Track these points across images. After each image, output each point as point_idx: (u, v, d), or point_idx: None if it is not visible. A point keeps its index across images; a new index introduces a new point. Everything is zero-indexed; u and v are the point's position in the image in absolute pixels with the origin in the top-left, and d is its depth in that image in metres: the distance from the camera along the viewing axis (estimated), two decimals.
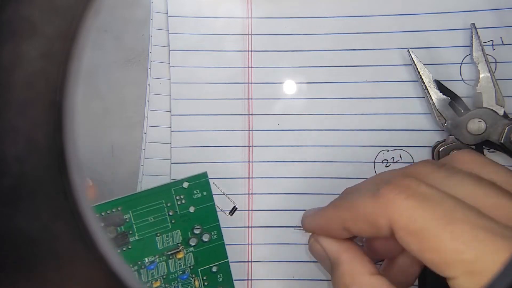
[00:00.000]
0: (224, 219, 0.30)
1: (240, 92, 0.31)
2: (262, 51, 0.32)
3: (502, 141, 0.28)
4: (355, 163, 0.31)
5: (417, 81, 0.30)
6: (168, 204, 0.26)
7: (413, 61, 0.29)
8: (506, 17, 0.30)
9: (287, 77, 0.31)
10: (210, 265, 0.27)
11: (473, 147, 0.29)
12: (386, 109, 0.31)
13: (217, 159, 0.31)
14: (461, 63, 0.31)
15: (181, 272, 0.26)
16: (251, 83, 0.31)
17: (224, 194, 0.31)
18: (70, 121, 0.13)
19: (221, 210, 0.30)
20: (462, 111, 0.29)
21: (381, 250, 0.24)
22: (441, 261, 0.18)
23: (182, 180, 0.26)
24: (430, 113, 0.30)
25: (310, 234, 0.25)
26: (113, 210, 0.26)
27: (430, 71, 0.29)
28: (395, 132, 0.31)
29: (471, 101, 0.30)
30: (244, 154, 0.31)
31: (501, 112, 0.28)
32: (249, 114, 0.31)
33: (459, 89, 0.30)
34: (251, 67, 0.31)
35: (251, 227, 0.30)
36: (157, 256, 0.26)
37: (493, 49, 0.30)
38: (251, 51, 0.32)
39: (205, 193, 0.27)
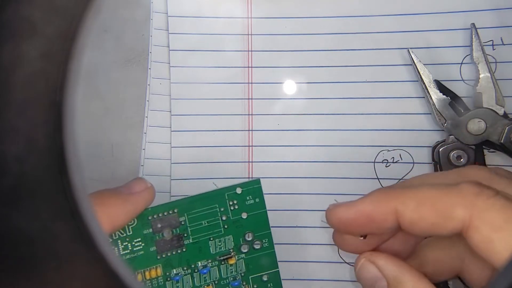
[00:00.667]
0: None
1: (240, 92, 0.31)
2: (262, 51, 0.32)
3: (502, 141, 0.28)
4: (355, 163, 0.31)
5: (417, 81, 0.30)
6: (222, 209, 0.26)
7: (413, 61, 0.29)
8: (506, 17, 0.30)
9: (287, 77, 0.31)
10: (260, 274, 0.27)
11: (473, 147, 0.29)
12: (386, 109, 0.31)
13: (217, 159, 0.31)
14: (461, 63, 0.31)
15: (232, 279, 0.26)
16: (251, 83, 0.31)
17: None
18: (70, 121, 0.13)
19: None
20: (462, 111, 0.29)
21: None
22: None
23: (236, 186, 0.26)
24: (430, 113, 0.30)
25: (357, 255, 0.23)
26: (170, 212, 0.26)
27: (430, 71, 0.29)
28: (395, 132, 0.31)
29: (471, 101, 0.30)
30: (244, 154, 0.31)
31: (501, 112, 0.28)
32: (249, 114, 0.31)
33: (459, 89, 0.30)
34: (251, 67, 0.31)
35: None
36: (209, 261, 0.26)
37: (493, 49, 0.30)
38: (251, 51, 0.32)
39: (257, 200, 0.27)
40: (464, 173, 0.22)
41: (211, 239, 0.26)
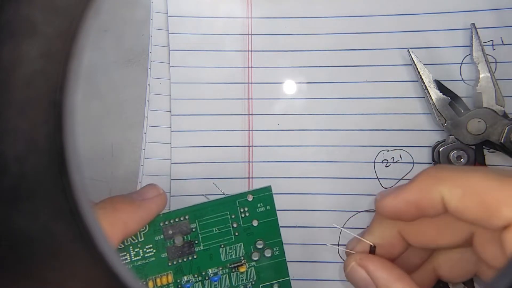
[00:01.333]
0: None
1: (240, 92, 0.31)
2: (262, 51, 0.32)
3: (502, 141, 0.28)
4: (355, 163, 0.31)
5: (417, 81, 0.30)
6: (233, 216, 0.26)
7: (413, 61, 0.29)
8: (506, 17, 0.30)
9: (287, 77, 0.31)
10: (271, 282, 0.27)
11: (473, 147, 0.29)
12: (386, 109, 0.31)
13: (217, 159, 0.31)
14: (461, 63, 0.31)
15: (243, 287, 0.26)
16: (251, 83, 0.31)
17: (224, 194, 0.31)
18: (70, 121, 0.13)
19: None
20: (462, 111, 0.29)
21: (401, 264, 0.23)
22: None
23: (247, 193, 0.26)
24: (430, 113, 0.30)
25: (348, 256, 0.23)
26: (181, 218, 0.25)
27: (430, 71, 0.29)
28: (395, 132, 0.31)
29: (471, 101, 0.30)
30: (244, 154, 0.31)
31: (501, 112, 0.28)
32: (249, 114, 0.31)
33: (459, 89, 0.30)
34: (251, 67, 0.31)
35: None
36: (220, 268, 0.26)
37: (493, 49, 0.30)
38: (251, 51, 0.32)
39: (268, 207, 0.27)
40: None
41: (222, 246, 0.26)
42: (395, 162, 0.31)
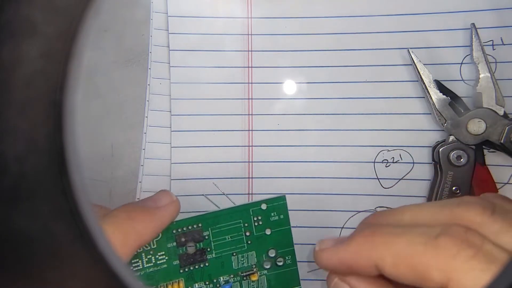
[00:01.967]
0: None
1: (240, 92, 0.31)
2: (262, 51, 0.32)
3: (502, 141, 0.28)
4: (355, 163, 0.31)
5: (417, 81, 0.30)
6: (246, 225, 0.26)
7: (413, 61, 0.29)
8: (506, 17, 0.30)
9: (287, 77, 0.31)
10: None
11: (473, 147, 0.29)
12: (386, 109, 0.31)
13: (217, 159, 0.31)
14: (461, 63, 0.31)
15: None
16: (251, 83, 0.31)
17: (224, 194, 0.31)
18: (70, 121, 0.13)
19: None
20: (462, 111, 0.29)
21: None
22: None
23: (261, 202, 0.26)
24: (430, 113, 0.30)
25: (329, 274, 0.22)
26: (194, 226, 0.25)
27: (430, 71, 0.29)
28: (395, 132, 0.31)
29: (471, 101, 0.30)
30: (244, 154, 0.31)
31: (501, 112, 0.28)
32: (249, 114, 0.31)
33: (459, 89, 0.30)
34: (251, 67, 0.31)
35: None
36: (231, 276, 0.26)
37: (493, 49, 0.30)
38: (251, 51, 0.32)
39: (282, 216, 0.26)
40: (457, 214, 0.19)
41: (234, 254, 0.26)
42: (395, 162, 0.31)
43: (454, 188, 0.29)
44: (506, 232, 0.18)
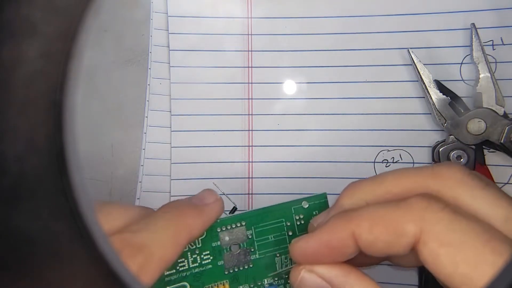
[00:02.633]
0: None
1: (240, 92, 0.31)
2: (262, 51, 0.32)
3: (502, 141, 0.28)
4: (355, 163, 0.31)
5: (417, 81, 0.30)
6: (288, 224, 0.25)
7: (413, 61, 0.29)
8: (506, 17, 0.30)
9: (287, 77, 0.31)
10: None
11: (473, 147, 0.29)
12: (387, 109, 0.31)
13: (217, 159, 0.31)
14: (461, 63, 0.31)
15: None
16: (251, 83, 0.31)
17: (224, 194, 0.31)
18: (70, 121, 0.13)
19: None
20: (462, 111, 0.29)
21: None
22: (473, 276, 0.17)
23: (302, 200, 0.26)
24: (430, 113, 0.30)
25: (293, 269, 0.22)
26: (238, 224, 0.25)
27: (430, 71, 0.29)
28: (395, 132, 0.31)
29: (471, 101, 0.30)
30: (244, 154, 0.31)
31: (501, 112, 0.28)
32: (249, 114, 0.31)
33: (459, 89, 0.30)
34: (251, 67, 0.31)
35: None
36: (275, 278, 0.25)
37: (493, 49, 0.30)
38: (251, 51, 0.32)
39: None
40: (437, 171, 0.21)
41: (278, 255, 0.25)
42: (395, 162, 0.31)
43: None
44: (481, 190, 0.20)
